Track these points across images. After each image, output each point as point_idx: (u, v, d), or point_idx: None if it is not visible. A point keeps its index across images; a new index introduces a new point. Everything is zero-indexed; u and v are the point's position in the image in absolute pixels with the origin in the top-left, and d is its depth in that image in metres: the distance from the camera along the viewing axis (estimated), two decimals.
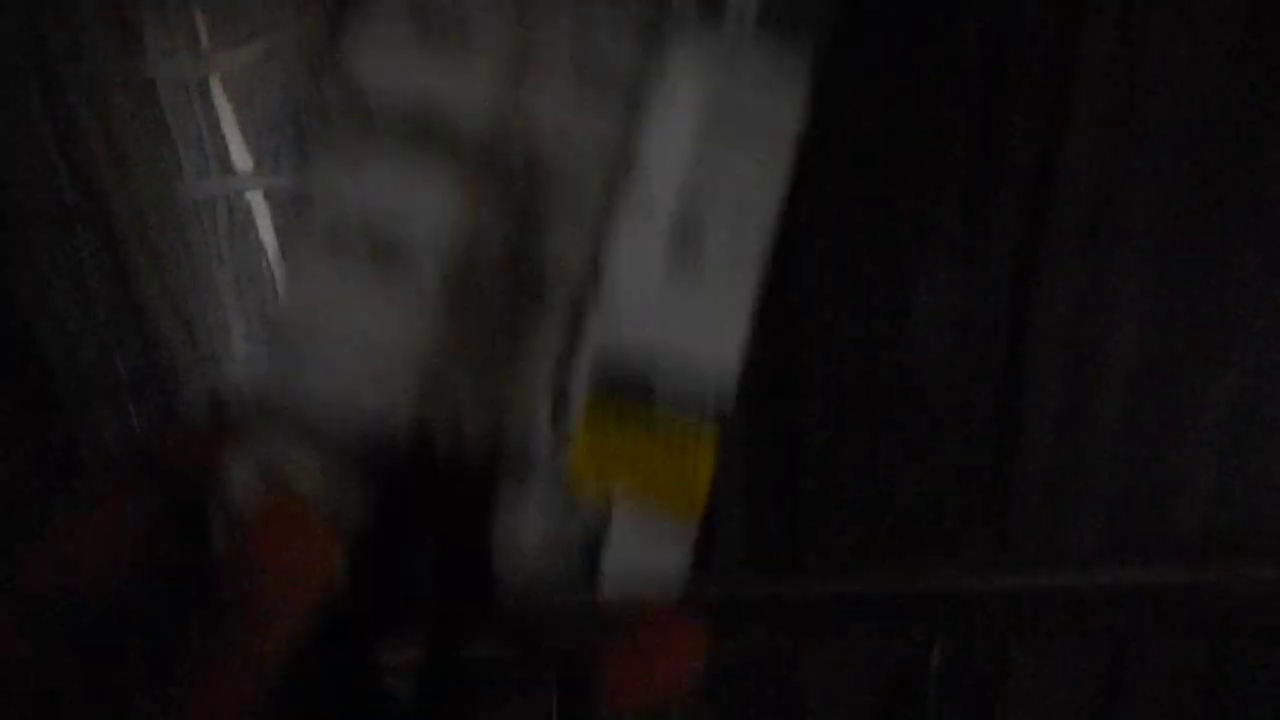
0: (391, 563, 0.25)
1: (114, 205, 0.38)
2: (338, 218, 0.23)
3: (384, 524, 0.23)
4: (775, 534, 0.44)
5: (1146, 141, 0.38)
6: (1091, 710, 0.49)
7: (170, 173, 0.38)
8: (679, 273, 0.24)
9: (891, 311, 0.40)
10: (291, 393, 0.23)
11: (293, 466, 0.22)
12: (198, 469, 0.21)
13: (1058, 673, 0.49)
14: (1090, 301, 0.40)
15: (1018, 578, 0.47)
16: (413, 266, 0.23)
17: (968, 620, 0.47)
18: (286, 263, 0.24)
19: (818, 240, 0.39)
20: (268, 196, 0.38)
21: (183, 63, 0.36)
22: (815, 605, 0.47)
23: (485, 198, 0.24)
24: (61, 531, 0.21)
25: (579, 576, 0.24)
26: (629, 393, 0.23)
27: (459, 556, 0.24)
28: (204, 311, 0.39)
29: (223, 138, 0.37)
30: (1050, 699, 0.49)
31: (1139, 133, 0.37)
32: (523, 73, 0.23)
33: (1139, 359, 0.41)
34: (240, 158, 0.37)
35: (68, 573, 0.21)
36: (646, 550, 0.24)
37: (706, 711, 0.47)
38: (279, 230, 0.39)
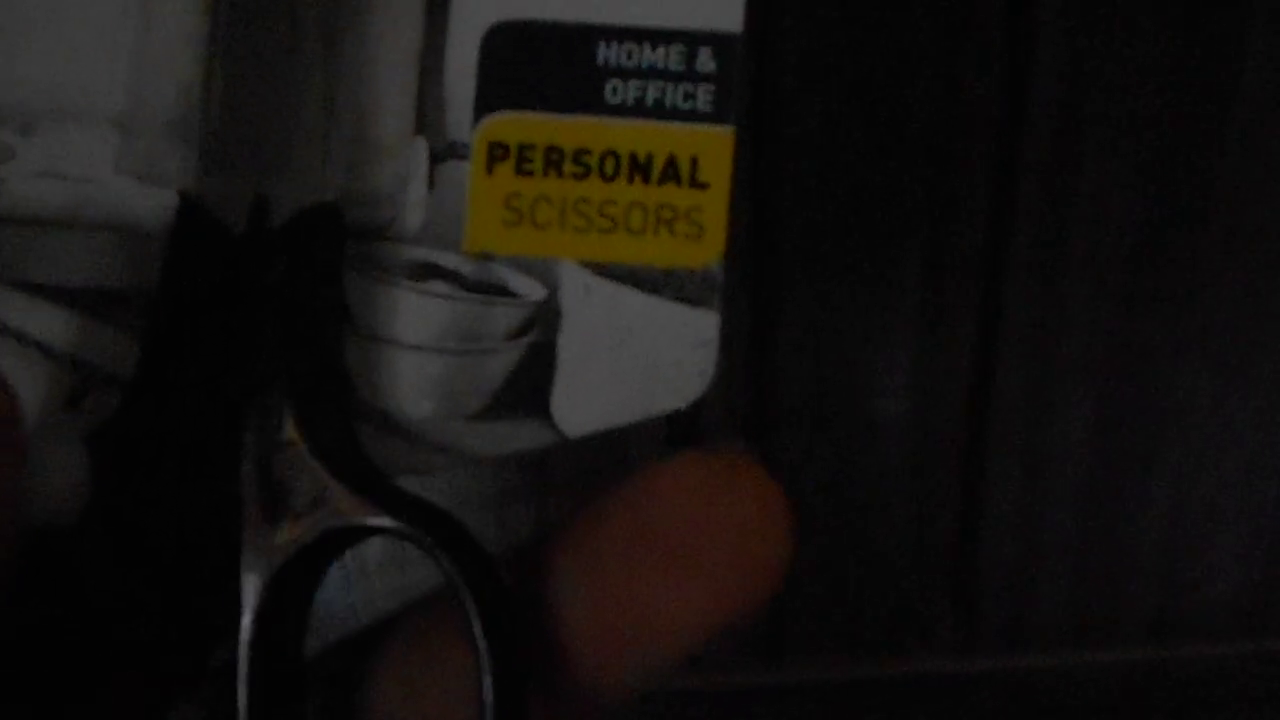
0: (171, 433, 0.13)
1: None
2: None
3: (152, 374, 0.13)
4: (759, 628, 0.43)
5: (1082, 271, 0.39)
6: None
7: None
8: None
9: (857, 426, 0.40)
10: None
11: None
12: None
13: None
14: (1040, 412, 0.40)
15: (987, 661, 0.45)
16: None
17: (943, 701, 0.45)
18: None
19: (788, 367, 0.39)
20: None
21: None
22: (799, 693, 0.45)
23: None
24: None
25: (514, 427, 0.13)
26: (547, 88, 0.13)
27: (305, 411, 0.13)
28: None
29: None
30: None
31: (1071, 264, 0.38)
32: None
33: (1087, 460, 0.41)
34: None
35: None
36: (632, 352, 0.13)
37: None
38: None
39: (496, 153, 0.13)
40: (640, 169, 0.13)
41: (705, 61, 0.13)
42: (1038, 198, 0.38)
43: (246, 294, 0.13)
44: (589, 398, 0.13)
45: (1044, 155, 0.37)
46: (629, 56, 0.13)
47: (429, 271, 0.13)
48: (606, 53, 0.13)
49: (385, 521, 0.12)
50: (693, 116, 0.13)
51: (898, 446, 0.41)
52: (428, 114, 0.13)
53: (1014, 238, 0.38)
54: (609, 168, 0.13)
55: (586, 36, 0.13)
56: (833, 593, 0.43)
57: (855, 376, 0.39)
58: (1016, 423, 0.40)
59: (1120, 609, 0.44)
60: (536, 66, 0.13)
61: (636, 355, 0.13)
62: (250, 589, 0.12)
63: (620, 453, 0.12)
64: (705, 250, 0.13)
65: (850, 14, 0.35)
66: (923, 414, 0.40)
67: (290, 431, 0.12)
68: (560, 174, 0.13)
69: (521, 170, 0.13)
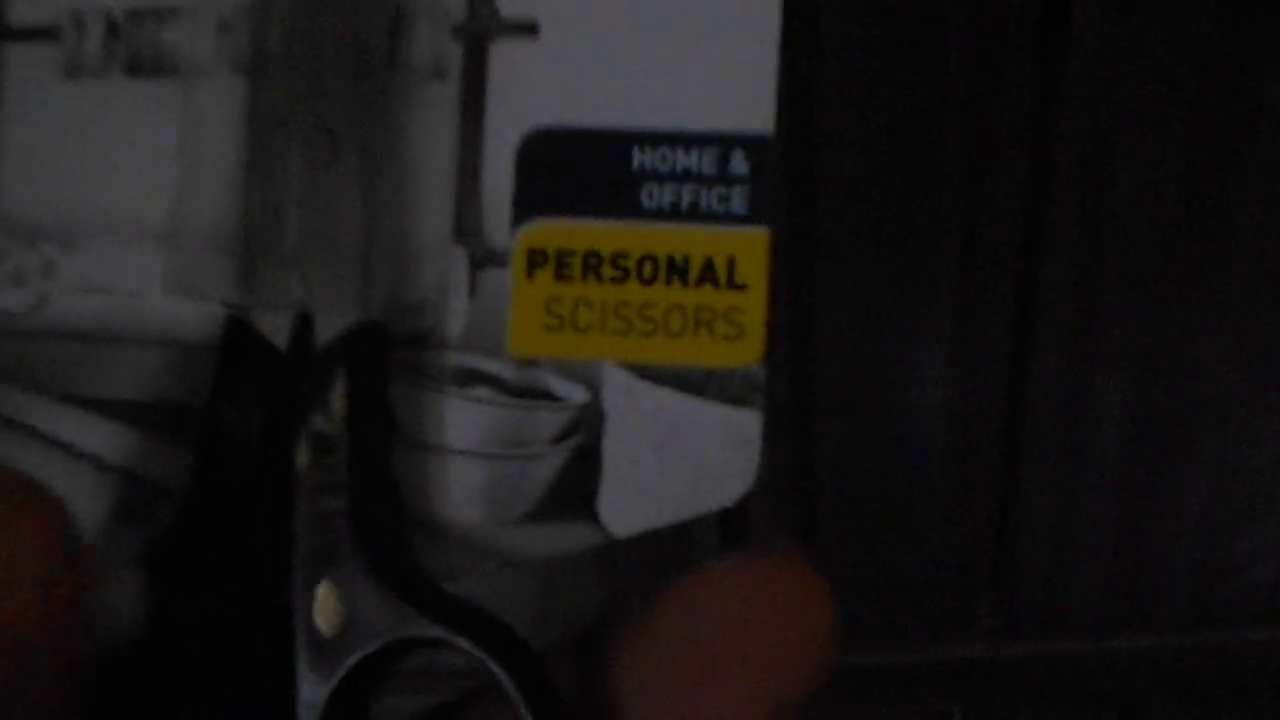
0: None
1: None
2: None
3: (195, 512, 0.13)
4: None
5: (1118, 258, 0.38)
6: None
7: None
8: None
9: (896, 414, 0.40)
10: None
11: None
12: None
13: None
14: (1077, 399, 0.40)
15: (1026, 646, 0.44)
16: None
17: (983, 687, 0.45)
18: None
19: (826, 358, 0.39)
20: None
21: None
22: (839, 678, 0.45)
23: None
24: None
25: (561, 529, 0.13)
26: (583, 194, 0.13)
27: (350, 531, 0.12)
28: None
29: None
30: None
31: (1107, 252, 0.38)
32: None
33: (1125, 449, 0.41)
34: None
35: None
36: (676, 452, 0.13)
37: None
38: None
39: (536, 259, 0.13)
40: (678, 271, 0.13)
41: (739, 164, 0.12)
42: (1073, 187, 0.37)
43: (296, 413, 0.12)
44: (635, 498, 0.13)
45: (1079, 146, 0.37)
46: (663, 161, 0.13)
47: (472, 378, 0.13)
48: (641, 158, 0.13)
49: (440, 633, 0.12)
50: (728, 219, 0.13)
51: (937, 435, 0.40)
52: (466, 222, 0.13)
53: (1050, 226, 0.38)
54: (647, 271, 0.13)
55: (621, 142, 0.13)
56: (873, 579, 0.43)
57: (894, 365, 0.39)
58: (1054, 410, 0.40)
59: (1158, 594, 0.43)
60: (573, 173, 0.13)
61: (681, 456, 0.12)
62: (306, 706, 0.12)
63: (681, 538, 0.12)
64: (745, 350, 0.13)
65: (887, 20, 0.35)
66: (961, 402, 0.40)
67: (344, 545, 0.12)
68: (599, 278, 0.13)
69: (561, 276, 0.13)
